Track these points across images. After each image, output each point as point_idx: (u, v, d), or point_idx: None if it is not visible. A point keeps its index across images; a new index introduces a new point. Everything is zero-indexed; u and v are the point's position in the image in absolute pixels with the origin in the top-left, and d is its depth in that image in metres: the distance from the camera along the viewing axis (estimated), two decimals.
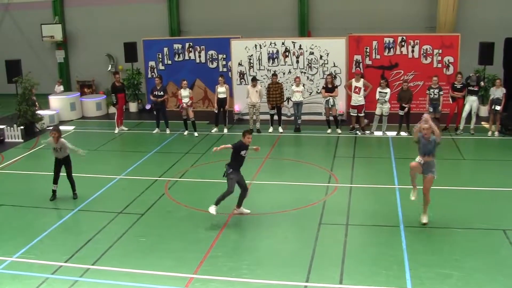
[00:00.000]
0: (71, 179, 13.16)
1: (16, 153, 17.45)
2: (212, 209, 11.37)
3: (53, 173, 13.02)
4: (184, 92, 18.76)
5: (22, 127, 19.24)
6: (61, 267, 9.76)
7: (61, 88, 23.83)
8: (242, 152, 11.42)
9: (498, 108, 17.61)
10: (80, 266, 9.75)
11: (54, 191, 13.06)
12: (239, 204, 11.77)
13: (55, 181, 13.04)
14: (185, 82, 18.97)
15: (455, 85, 18.10)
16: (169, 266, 9.66)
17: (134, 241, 10.78)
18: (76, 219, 12.12)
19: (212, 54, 22.55)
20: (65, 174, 13.05)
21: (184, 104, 18.68)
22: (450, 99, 18.24)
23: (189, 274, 9.37)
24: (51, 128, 13.54)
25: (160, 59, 22.98)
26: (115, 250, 10.40)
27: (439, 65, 20.27)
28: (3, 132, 19.06)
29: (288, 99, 19.80)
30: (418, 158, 10.86)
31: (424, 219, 11.04)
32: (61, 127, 20.34)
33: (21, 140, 18.91)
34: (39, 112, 20.47)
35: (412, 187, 11.15)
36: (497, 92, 17.67)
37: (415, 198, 11.13)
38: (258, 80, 19.58)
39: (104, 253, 10.26)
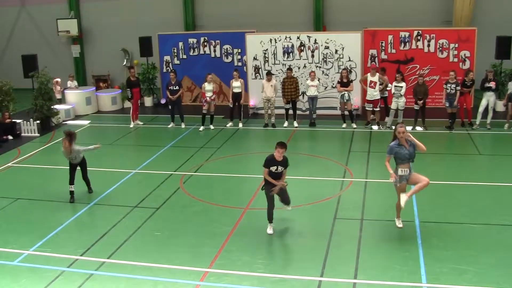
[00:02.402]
0: (87, 179, 13.13)
1: (32, 147, 17.58)
2: (269, 230, 10.74)
3: (68, 174, 12.74)
4: (208, 86, 18.74)
5: (38, 122, 19.42)
6: (77, 261, 9.83)
7: (75, 83, 23.67)
8: (272, 168, 10.35)
9: None
10: (95, 260, 9.82)
11: (71, 192, 12.74)
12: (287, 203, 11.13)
13: (71, 182, 12.75)
14: (210, 76, 18.97)
15: (465, 82, 17.83)
16: (184, 260, 9.68)
17: (149, 235, 10.83)
18: (92, 213, 12.21)
19: (227, 48, 22.54)
20: (80, 174, 12.95)
21: (208, 98, 18.72)
22: (458, 94, 17.96)
23: (203, 268, 9.39)
24: (66, 123, 13.46)
25: (175, 54, 23.02)
26: (130, 244, 10.46)
27: (455, 60, 20.08)
28: (19, 126, 19.20)
29: (303, 93, 19.75)
30: (400, 172, 10.24)
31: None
32: (77, 122, 20.65)
33: (37, 134, 19.05)
34: (55, 106, 20.56)
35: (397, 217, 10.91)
36: None
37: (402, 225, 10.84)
38: (273, 74, 19.52)
39: (119, 247, 10.32)
